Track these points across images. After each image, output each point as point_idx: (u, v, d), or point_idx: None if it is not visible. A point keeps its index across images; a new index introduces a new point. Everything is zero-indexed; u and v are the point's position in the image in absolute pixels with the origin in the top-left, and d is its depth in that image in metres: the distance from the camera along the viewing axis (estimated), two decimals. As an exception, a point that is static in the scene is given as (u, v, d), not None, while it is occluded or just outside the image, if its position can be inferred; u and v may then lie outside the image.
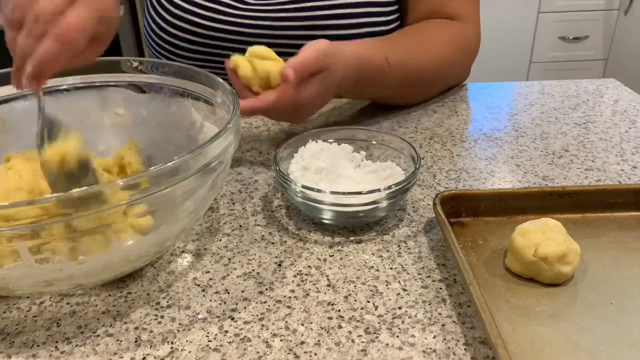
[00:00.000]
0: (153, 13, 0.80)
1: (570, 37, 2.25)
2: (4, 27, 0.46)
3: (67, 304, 0.44)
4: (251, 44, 0.61)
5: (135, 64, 0.58)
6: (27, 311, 0.43)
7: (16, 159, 0.48)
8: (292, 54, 0.58)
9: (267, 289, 0.45)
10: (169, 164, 0.39)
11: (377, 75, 0.68)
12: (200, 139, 0.56)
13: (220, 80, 0.53)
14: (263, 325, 0.41)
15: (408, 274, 0.46)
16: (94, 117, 0.58)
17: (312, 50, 0.58)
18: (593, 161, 0.63)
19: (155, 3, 0.80)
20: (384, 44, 0.69)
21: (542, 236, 0.44)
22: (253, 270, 0.47)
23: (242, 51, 0.60)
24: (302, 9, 0.74)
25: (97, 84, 0.58)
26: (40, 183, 0.45)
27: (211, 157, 0.42)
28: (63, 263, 0.39)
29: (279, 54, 0.60)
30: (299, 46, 0.59)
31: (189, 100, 0.57)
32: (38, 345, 0.40)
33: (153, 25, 0.81)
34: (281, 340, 0.40)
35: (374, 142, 0.59)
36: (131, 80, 0.58)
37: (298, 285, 0.45)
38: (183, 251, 0.50)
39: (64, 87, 0.57)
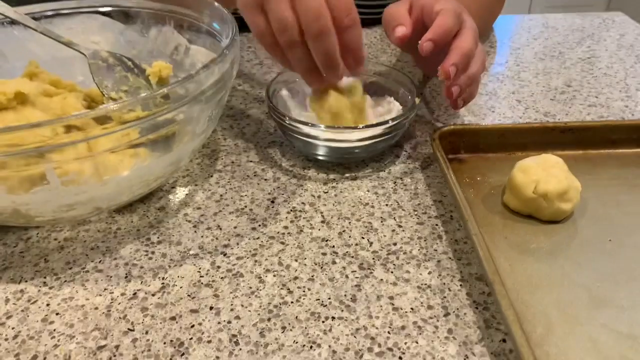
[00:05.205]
0: None
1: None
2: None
3: (55, 239, 0.43)
4: None
5: None
6: (14, 247, 0.42)
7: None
8: None
9: (260, 225, 0.44)
10: (188, 78, 0.38)
11: None
12: (187, 63, 0.53)
13: None
14: (256, 261, 0.41)
15: (404, 210, 0.45)
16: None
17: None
18: (596, 97, 0.61)
19: None
20: None
21: (543, 173, 0.43)
22: (246, 207, 0.46)
23: None
24: None
25: (67, 12, 0.54)
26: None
27: (226, 68, 0.42)
28: (88, 185, 0.38)
29: None
30: None
31: (171, 25, 0.54)
32: (26, 281, 0.39)
33: None
34: (274, 276, 0.39)
35: (372, 76, 0.56)
36: (106, 5, 0.55)
37: (292, 221, 0.44)
38: (173, 187, 0.48)
39: (36, 15, 0.53)
